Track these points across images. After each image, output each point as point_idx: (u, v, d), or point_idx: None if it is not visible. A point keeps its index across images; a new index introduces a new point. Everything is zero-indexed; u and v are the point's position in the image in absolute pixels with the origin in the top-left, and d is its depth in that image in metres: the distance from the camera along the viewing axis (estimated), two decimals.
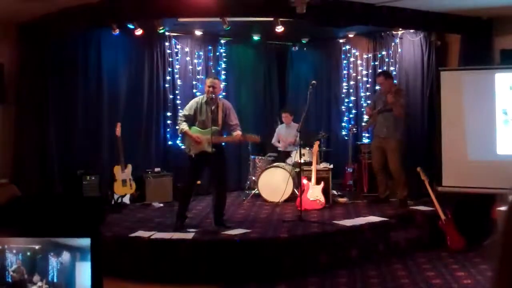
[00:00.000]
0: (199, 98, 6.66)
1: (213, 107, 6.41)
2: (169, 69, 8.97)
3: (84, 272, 1.24)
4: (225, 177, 6.84)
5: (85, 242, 1.22)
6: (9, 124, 7.59)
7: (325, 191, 7.73)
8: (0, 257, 1.26)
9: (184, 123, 6.45)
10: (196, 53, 9.23)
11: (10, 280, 1.26)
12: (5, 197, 1.34)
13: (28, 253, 1.25)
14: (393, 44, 8.90)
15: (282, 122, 9.30)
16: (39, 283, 1.25)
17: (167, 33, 8.78)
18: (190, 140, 6.43)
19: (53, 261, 1.24)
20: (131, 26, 7.78)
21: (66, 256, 1.24)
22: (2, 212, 1.05)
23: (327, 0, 6.60)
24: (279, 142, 9.18)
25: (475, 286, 5.51)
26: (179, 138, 8.88)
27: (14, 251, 1.25)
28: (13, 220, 1.07)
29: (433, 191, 7.10)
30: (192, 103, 6.60)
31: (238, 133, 6.50)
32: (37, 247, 1.24)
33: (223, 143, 6.67)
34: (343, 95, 9.75)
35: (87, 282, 1.22)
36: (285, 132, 9.08)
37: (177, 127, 7.05)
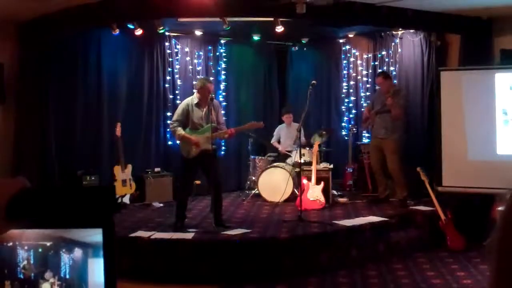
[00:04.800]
0: (189, 100, 6.62)
1: (205, 108, 6.46)
2: (169, 69, 8.97)
3: (96, 268, 1.24)
4: (220, 176, 6.81)
5: (97, 238, 1.22)
6: (9, 124, 7.58)
7: (325, 191, 7.73)
8: (12, 253, 1.26)
9: (179, 128, 6.47)
10: (196, 53, 9.23)
11: (21, 276, 1.27)
12: (14, 189, 1.33)
13: (40, 250, 1.25)
14: (393, 44, 8.91)
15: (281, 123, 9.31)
16: (51, 280, 1.25)
17: (167, 33, 8.78)
18: (188, 143, 6.44)
19: (65, 258, 1.25)
20: (131, 26, 7.79)
21: (78, 252, 1.24)
22: (12, 204, 1.05)
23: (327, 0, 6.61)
24: (279, 142, 9.18)
25: (475, 286, 5.51)
26: None
27: (26, 248, 1.25)
28: (24, 212, 1.07)
29: (433, 191, 7.10)
30: (183, 106, 6.58)
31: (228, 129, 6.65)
32: (48, 243, 1.25)
33: (222, 141, 6.72)
34: (343, 95, 9.77)
35: (100, 279, 1.22)
36: (286, 133, 9.08)
37: (169, 129, 7.00)
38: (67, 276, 1.23)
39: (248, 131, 8.13)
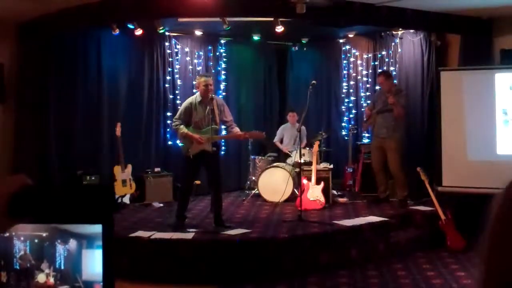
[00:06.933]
0: (192, 98, 6.62)
1: (208, 106, 6.41)
2: (169, 69, 8.97)
3: (90, 259, 1.24)
4: (221, 176, 6.81)
5: (93, 229, 1.22)
6: (9, 124, 7.59)
7: (325, 191, 7.72)
8: (8, 244, 1.27)
9: (182, 125, 6.46)
10: (196, 53, 9.24)
11: (18, 267, 1.27)
12: (16, 186, 1.33)
13: (36, 241, 1.26)
14: (393, 44, 8.91)
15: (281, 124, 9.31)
16: (47, 270, 1.26)
17: (167, 33, 8.78)
18: (189, 141, 6.43)
19: (60, 248, 1.25)
20: (131, 26, 7.79)
21: (73, 243, 1.24)
22: (14, 201, 1.06)
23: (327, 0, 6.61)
24: (281, 142, 9.17)
25: (475, 286, 5.50)
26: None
27: (22, 239, 1.26)
28: (26, 209, 1.08)
29: (433, 191, 7.10)
30: (186, 105, 6.58)
31: (237, 130, 6.55)
32: (44, 234, 1.25)
33: (222, 141, 6.69)
34: (343, 95, 9.77)
35: (94, 270, 1.23)
36: (290, 133, 9.07)
37: (172, 127, 6.93)
38: (62, 267, 1.23)
39: (249, 140, 8.13)
